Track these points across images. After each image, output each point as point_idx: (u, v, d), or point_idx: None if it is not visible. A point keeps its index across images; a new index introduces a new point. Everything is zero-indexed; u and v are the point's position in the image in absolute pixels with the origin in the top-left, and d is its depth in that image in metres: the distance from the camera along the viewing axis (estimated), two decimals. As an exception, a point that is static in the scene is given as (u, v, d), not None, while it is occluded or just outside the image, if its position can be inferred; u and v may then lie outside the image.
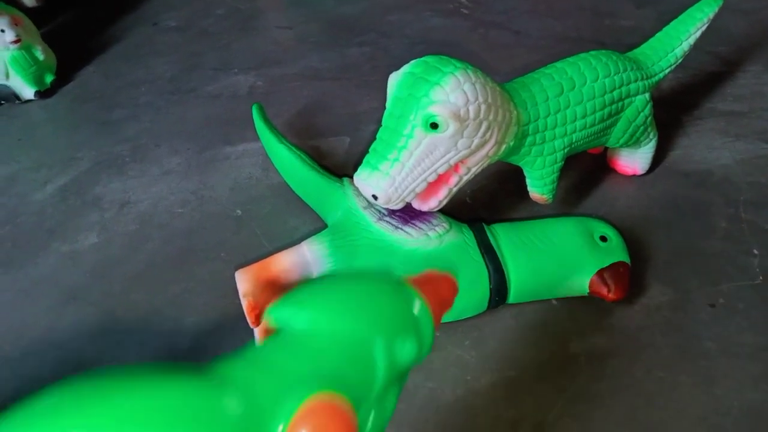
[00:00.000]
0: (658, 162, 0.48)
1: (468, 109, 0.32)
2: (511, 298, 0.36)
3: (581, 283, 0.36)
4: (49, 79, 0.62)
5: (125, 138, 0.56)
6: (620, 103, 0.41)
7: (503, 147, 0.35)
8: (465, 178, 0.35)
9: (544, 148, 0.39)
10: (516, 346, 0.36)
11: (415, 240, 0.35)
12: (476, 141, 0.33)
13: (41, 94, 0.61)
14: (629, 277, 0.37)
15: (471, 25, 0.69)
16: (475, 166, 0.35)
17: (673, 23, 0.47)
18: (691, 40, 0.46)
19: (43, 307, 0.41)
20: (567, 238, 0.37)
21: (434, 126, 0.32)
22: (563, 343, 0.36)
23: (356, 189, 0.39)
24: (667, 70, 0.45)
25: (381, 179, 0.32)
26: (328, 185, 0.41)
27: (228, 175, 0.51)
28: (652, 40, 0.46)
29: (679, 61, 0.46)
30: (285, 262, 0.35)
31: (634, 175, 0.47)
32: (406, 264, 0.35)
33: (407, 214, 0.37)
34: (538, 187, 0.41)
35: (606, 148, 0.47)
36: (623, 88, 0.41)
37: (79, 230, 0.47)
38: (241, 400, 0.17)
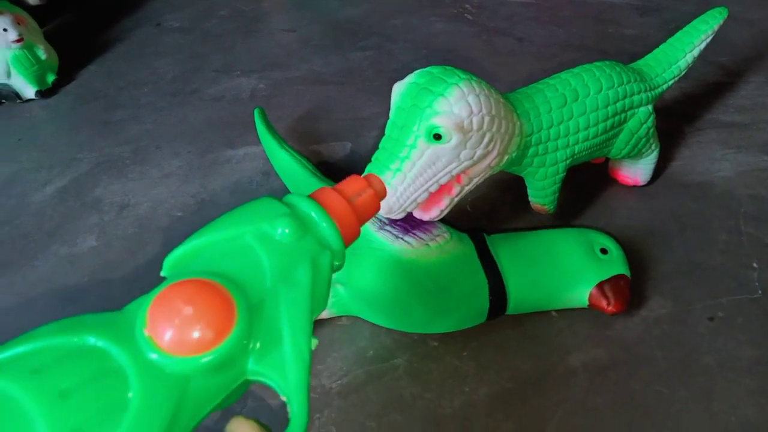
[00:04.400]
0: (659, 173, 0.48)
1: (471, 121, 0.32)
2: (511, 309, 0.36)
3: (581, 295, 0.36)
4: (50, 78, 0.62)
5: (126, 139, 0.56)
6: (623, 115, 0.41)
7: (506, 157, 0.35)
8: (467, 188, 0.35)
9: (546, 159, 0.39)
10: (514, 358, 0.36)
11: (416, 250, 0.35)
12: (479, 152, 0.33)
13: (43, 94, 0.61)
14: (629, 290, 0.37)
15: (475, 31, 0.69)
16: (477, 176, 0.35)
17: (677, 35, 0.46)
18: (696, 52, 0.46)
19: (40, 311, 0.41)
20: (567, 249, 0.37)
21: (437, 137, 0.32)
22: (562, 356, 0.36)
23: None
24: (670, 82, 0.45)
25: None
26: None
27: (229, 179, 0.51)
28: (656, 52, 0.46)
29: (683, 72, 0.46)
30: None
31: (635, 186, 0.47)
32: (407, 274, 0.35)
33: (408, 224, 0.37)
34: (540, 198, 0.41)
35: (608, 159, 0.47)
36: (626, 100, 0.41)
37: (78, 233, 0.47)
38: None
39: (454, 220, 0.42)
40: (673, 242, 0.43)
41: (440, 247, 0.35)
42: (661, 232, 0.44)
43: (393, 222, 0.37)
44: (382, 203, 0.30)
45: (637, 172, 0.47)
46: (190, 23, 0.75)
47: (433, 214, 0.35)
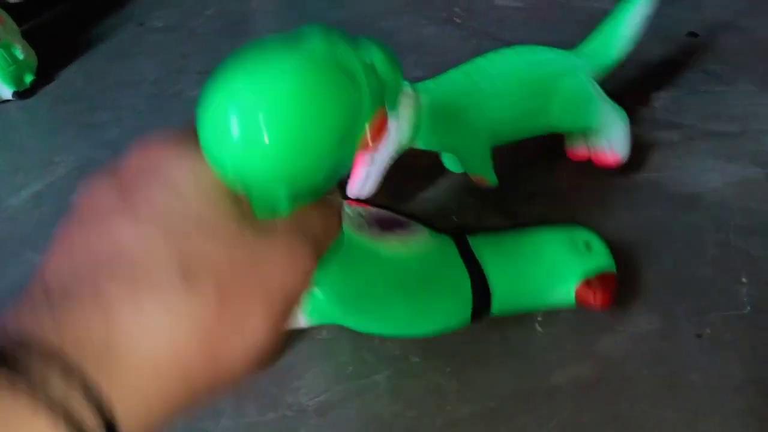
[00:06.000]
0: (648, 184, 0.48)
1: None
2: (495, 306, 0.35)
3: (567, 291, 0.36)
4: (28, 79, 0.60)
5: (105, 142, 0.54)
6: (543, 84, 0.43)
7: (405, 125, 0.39)
8: (378, 158, 0.40)
9: (463, 133, 0.41)
10: (498, 375, 0.35)
11: (395, 246, 0.34)
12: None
13: (20, 95, 0.59)
14: (615, 284, 0.36)
15: (464, 35, 0.68)
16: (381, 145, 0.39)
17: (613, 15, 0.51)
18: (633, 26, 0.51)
19: (10, 321, 0.39)
20: (551, 245, 0.37)
21: None
22: (546, 373, 0.35)
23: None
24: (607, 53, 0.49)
25: None
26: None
27: (209, 185, 0.49)
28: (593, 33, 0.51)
29: (624, 46, 0.50)
30: None
31: (626, 194, 0.46)
32: (386, 270, 0.34)
33: (387, 223, 0.36)
34: (476, 169, 0.44)
35: (589, 152, 0.48)
36: (544, 69, 0.44)
37: (52, 240, 0.45)
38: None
39: (440, 227, 0.41)
40: (661, 255, 0.42)
41: (420, 245, 0.35)
42: (649, 244, 0.43)
43: (372, 221, 0.36)
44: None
45: (610, 144, 0.46)
46: (175, 22, 0.74)
47: (356, 186, 0.40)
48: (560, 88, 0.43)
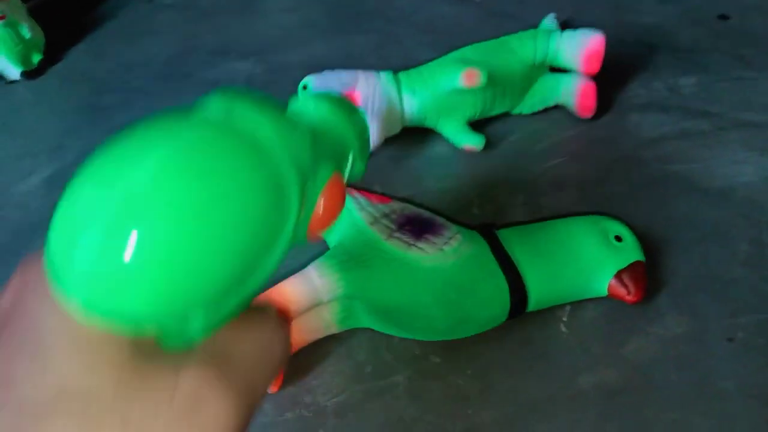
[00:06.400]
0: (677, 176, 0.46)
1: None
2: (530, 306, 0.35)
3: (600, 285, 0.35)
4: (36, 58, 0.58)
5: (115, 127, 0.52)
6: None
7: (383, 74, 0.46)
8: (375, 105, 0.44)
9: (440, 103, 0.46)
10: (521, 378, 0.34)
11: (432, 257, 0.33)
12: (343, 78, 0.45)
13: (28, 75, 0.58)
14: (646, 276, 0.36)
15: (483, 15, 0.65)
16: (369, 93, 0.44)
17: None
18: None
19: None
20: (582, 240, 0.36)
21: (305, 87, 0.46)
22: (572, 377, 0.34)
23: (357, 200, 0.37)
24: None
25: None
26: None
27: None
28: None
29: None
30: (292, 293, 0.32)
31: (655, 187, 0.45)
32: (426, 284, 0.33)
33: (418, 227, 0.35)
34: (463, 139, 0.47)
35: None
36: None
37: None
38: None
39: (461, 220, 0.40)
40: (691, 253, 0.41)
41: (455, 251, 0.33)
42: (678, 242, 0.41)
43: (402, 227, 0.34)
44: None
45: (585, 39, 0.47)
46: (185, 0, 0.71)
47: None
48: (514, 37, 0.49)
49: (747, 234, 0.42)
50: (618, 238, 0.36)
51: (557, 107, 0.51)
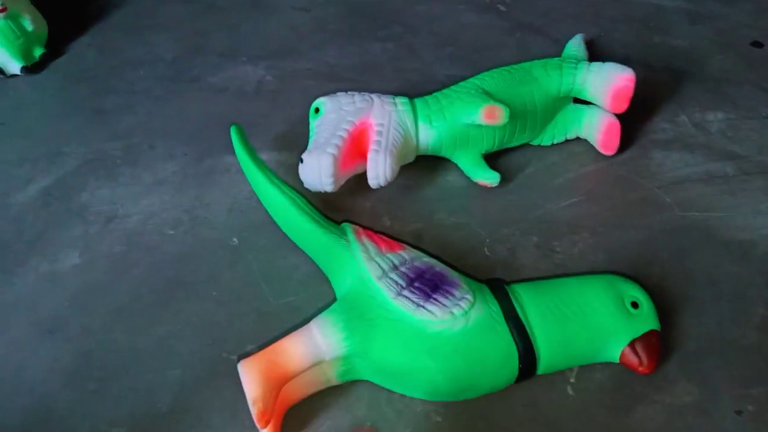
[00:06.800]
0: (697, 225, 0.44)
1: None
2: (540, 371, 0.34)
3: (612, 353, 0.34)
4: (38, 52, 0.56)
5: (118, 133, 0.51)
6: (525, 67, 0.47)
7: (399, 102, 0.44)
8: (384, 144, 0.42)
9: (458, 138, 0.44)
10: (524, 445, 0.33)
11: (440, 321, 0.32)
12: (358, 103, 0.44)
13: (29, 69, 0.56)
14: (660, 346, 0.35)
15: (507, 27, 0.62)
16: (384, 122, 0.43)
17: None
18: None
19: (16, 339, 0.38)
20: (597, 304, 0.35)
21: (317, 110, 0.44)
22: (576, 447, 0.33)
23: (365, 247, 0.36)
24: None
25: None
26: (331, 243, 0.36)
27: (227, 193, 0.46)
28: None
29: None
30: (295, 352, 0.31)
31: (670, 237, 0.43)
32: (432, 351, 0.31)
33: (428, 286, 0.33)
34: (478, 174, 0.45)
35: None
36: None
37: (61, 246, 0.43)
38: None
39: (471, 263, 0.38)
40: (706, 313, 0.39)
41: (465, 315, 0.32)
42: (694, 299, 0.40)
43: (411, 284, 0.33)
44: (304, 155, 0.42)
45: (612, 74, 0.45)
46: (194, -9, 0.68)
47: (372, 178, 0.42)
48: (538, 62, 0.47)
49: (764, 296, 0.40)
50: (634, 305, 0.34)
51: (578, 139, 0.49)
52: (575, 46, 0.53)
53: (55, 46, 0.59)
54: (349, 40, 0.61)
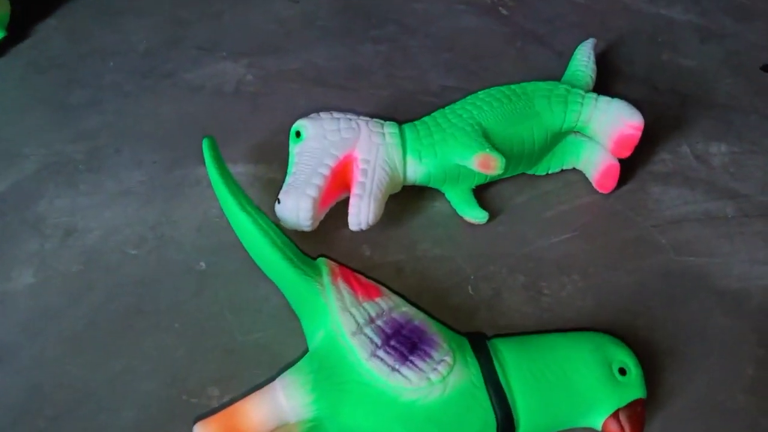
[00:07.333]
0: (692, 271, 0.42)
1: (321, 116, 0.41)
2: None
3: (594, 420, 0.32)
4: (-1, 35, 0.52)
5: (83, 133, 0.47)
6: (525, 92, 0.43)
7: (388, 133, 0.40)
8: (368, 186, 0.39)
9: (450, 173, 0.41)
10: None
11: (416, 388, 0.29)
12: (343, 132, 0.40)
13: (-12, 54, 0.51)
14: (644, 414, 0.33)
15: (508, 34, 0.59)
16: (370, 158, 0.39)
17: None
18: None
19: (-42, 369, 0.35)
20: (583, 370, 0.33)
21: (298, 134, 0.40)
22: None
23: (341, 295, 0.33)
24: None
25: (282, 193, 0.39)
26: (304, 287, 0.34)
27: (197, 208, 0.43)
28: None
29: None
30: (256, 415, 0.29)
31: (666, 282, 0.41)
32: (405, 421, 0.29)
33: (405, 345, 0.31)
34: (466, 211, 0.43)
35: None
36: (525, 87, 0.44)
37: (15, 262, 0.40)
38: None
39: (454, 302, 0.37)
40: (695, 371, 0.38)
41: (443, 381, 0.30)
42: (683, 355, 0.38)
43: (387, 343, 0.31)
44: (281, 195, 0.38)
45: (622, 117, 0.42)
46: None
47: (353, 220, 0.39)
48: (541, 89, 0.43)
49: (755, 354, 0.39)
50: (622, 371, 0.32)
51: (574, 169, 0.47)
52: (584, 59, 0.49)
53: (18, 29, 0.54)
54: (340, 39, 0.57)
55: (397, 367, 0.30)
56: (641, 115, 0.41)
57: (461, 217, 0.43)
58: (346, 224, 0.40)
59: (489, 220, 0.43)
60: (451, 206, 0.44)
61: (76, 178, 0.44)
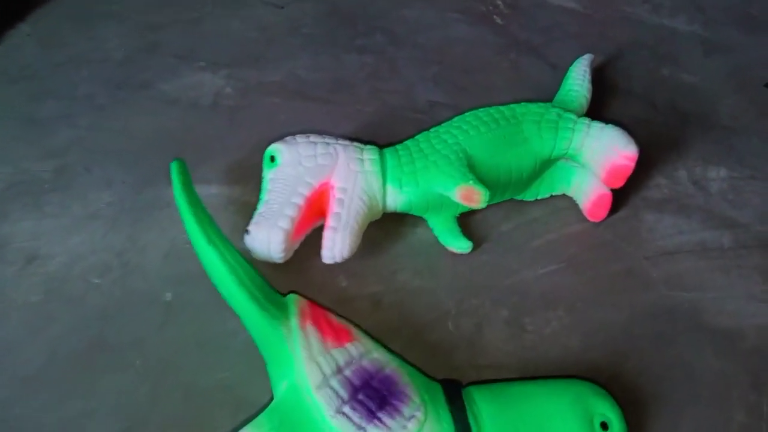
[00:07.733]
0: (684, 308, 0.40)
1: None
2: None
3: None
4: (-34, 43, 0.49)
5: (52, 150, 0.45)
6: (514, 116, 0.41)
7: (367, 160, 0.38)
8: (345, 218, 0.37)
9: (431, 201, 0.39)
10: None
11: None
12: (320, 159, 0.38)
13: (-45, 63, 0.49)
14: None
15: (501, 45, 0.56)
16: (347, 187, 0.37)
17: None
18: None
19: None
20: (561, 425, 0.31)
21: (272, 159, 0.38)
22: None
23: (308, 342, 0.31)
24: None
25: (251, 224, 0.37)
26: (270, 332, 0.32)
27: (165, 234, 0.41)
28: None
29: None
30: None
31: (657, 319, 0.39)
32: None
33: (373, 400, 0.29)
34: (449, 240, 0.40)
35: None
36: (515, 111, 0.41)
37: (-27, 289, 0.38)
38: None
39: (432, 338, 0.35)
40: (682, 417, 0.36)
41: None
42: (671, 400, 0.36)
43: (354, 397, 0.29)
44: (251, 226, 0.37)
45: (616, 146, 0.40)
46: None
47: (326, 252, 0.37)
48: (532, 113, 0.41)
49: (747, 400, 0.37)
50: (604, 425, 0.31)
51: (564, 195, 0.44)
52: (579, 78, 0.47)
53: (-12, 35, 0.52)
54: (325, 48, 0.54)
55: (363, 425, 0.28)
56: (636, 145, 0.39)
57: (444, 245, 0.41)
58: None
59: (473, 249, 0.41)
60: (433, 233, 0.42)
61: (42, 200, 0.42)
